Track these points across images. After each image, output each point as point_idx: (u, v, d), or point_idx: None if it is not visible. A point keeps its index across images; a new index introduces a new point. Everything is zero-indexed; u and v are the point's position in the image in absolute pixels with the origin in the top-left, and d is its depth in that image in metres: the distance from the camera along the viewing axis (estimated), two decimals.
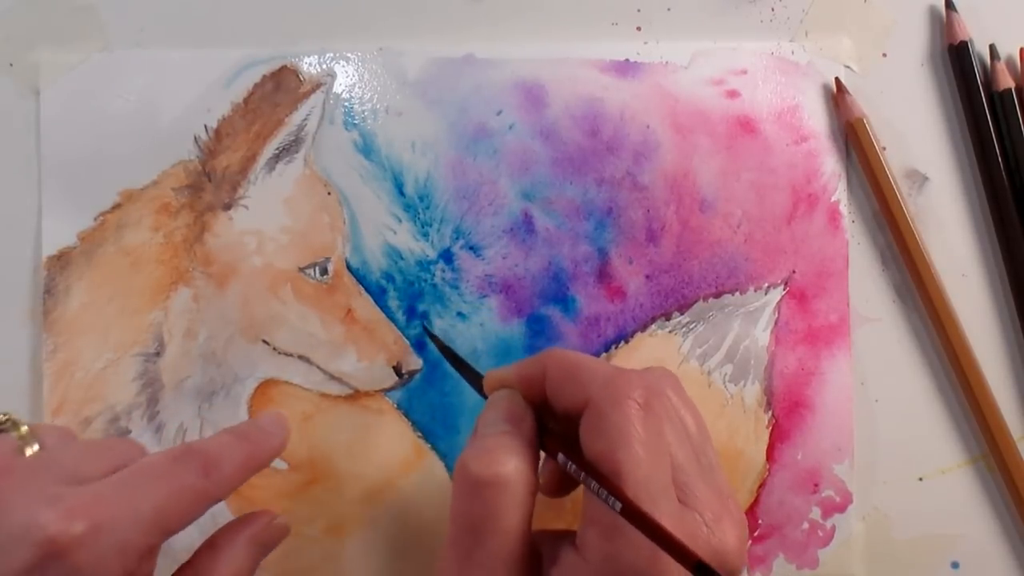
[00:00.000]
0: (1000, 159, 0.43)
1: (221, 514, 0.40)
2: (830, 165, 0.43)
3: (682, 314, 0.42)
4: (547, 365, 0.30)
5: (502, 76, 0.42)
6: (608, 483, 0.26)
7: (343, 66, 0.42)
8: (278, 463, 0.41)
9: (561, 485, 0.33)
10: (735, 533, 0.27)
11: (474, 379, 0.35)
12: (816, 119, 0.43)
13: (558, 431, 0.30)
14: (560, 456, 0.28)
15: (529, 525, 0.28)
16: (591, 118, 0.43)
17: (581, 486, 0.28)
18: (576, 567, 0.26)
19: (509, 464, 0.27)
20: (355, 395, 0.41)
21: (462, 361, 0.36)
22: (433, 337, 0.39)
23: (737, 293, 0.42)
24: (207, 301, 0.41)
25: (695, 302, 0.42)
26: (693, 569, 0.24)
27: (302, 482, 0.41)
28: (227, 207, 0.41)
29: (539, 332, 0.42)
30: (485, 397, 0.33)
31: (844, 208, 0.43)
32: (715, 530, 0.27)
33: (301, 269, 0.41)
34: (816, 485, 0.42)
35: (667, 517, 0.26)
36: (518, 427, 0.29)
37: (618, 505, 0.25)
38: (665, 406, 0.28)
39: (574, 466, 0.28)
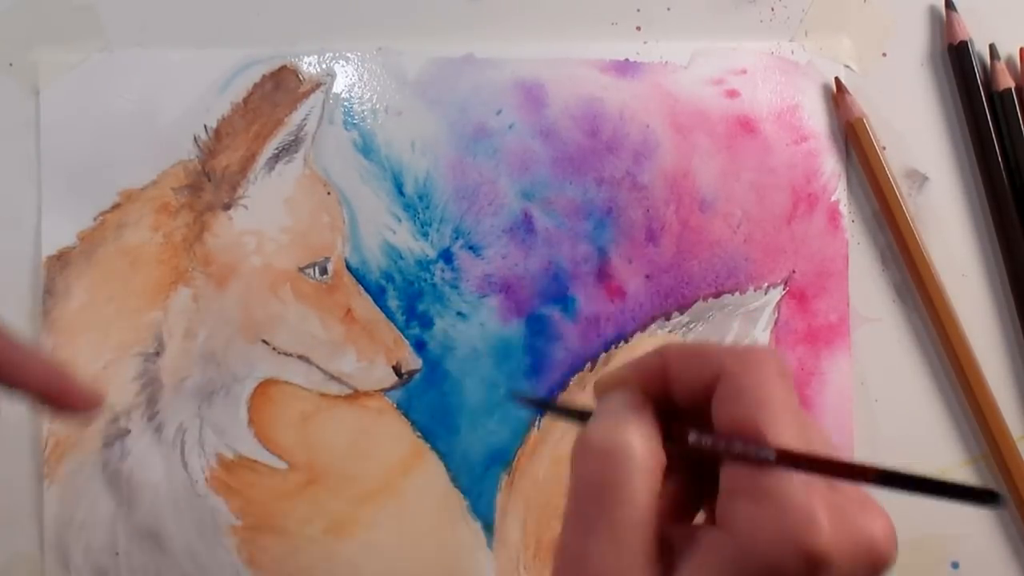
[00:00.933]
0: (1000, 159, 0.43)
1: (223, 517, 0.40)
2: (830, 165, 0.43)
3: (682, 314, 0.42)
4: (666, 353, 0.28)
5: (502, 76, 0.42)
6: (753, 438, 0.24)
7: (343, 66, 0.42)
8: (277, 463, 0.41)
9: (685, 504, 0.29)
10: (884, 516, 0.26)
11: (583, 416, 0.30)
12: (816, 119, 0.43)
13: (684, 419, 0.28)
14: (692, 435, 0.26)
15: (656, 501, 0.26)
16: (591, 118, 0.43)
17: (704, 513, 0.27)
18: (720, 543, 0.24)
19: (633, 433, 0.26)
20: (355, 395, 0.41)
21: (562, 408, 0.33)
22: (523, 400, 0.34)
23: (737, 293, 0.42)
24: (207, 301, 0.41)
25: (695, 302, 0.42)
26: (874, 480, 0.23)
27: (302, 482, 0.41)
28: (227, 207, 0.41)
29: (539, 332, 0.42)
30: None
31: (844, 208, 0.43)
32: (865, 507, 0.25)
33: (301, 269, 0.41)
34: None
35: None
36: (639, 411, 0.27)
37: (771, 454, 0.23)
38: (792, 380, 0.26)
39: (709, 440, 0.25)
